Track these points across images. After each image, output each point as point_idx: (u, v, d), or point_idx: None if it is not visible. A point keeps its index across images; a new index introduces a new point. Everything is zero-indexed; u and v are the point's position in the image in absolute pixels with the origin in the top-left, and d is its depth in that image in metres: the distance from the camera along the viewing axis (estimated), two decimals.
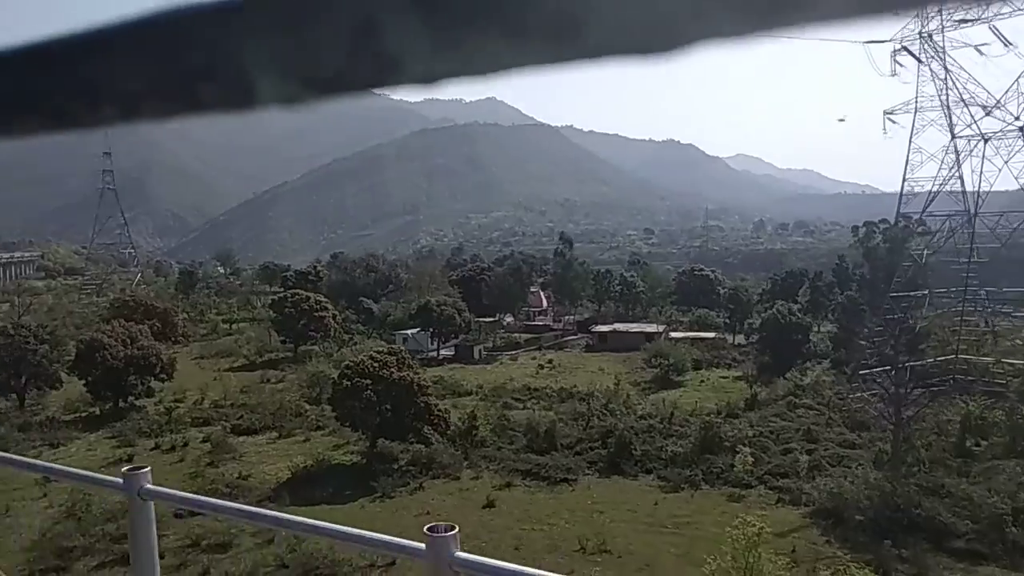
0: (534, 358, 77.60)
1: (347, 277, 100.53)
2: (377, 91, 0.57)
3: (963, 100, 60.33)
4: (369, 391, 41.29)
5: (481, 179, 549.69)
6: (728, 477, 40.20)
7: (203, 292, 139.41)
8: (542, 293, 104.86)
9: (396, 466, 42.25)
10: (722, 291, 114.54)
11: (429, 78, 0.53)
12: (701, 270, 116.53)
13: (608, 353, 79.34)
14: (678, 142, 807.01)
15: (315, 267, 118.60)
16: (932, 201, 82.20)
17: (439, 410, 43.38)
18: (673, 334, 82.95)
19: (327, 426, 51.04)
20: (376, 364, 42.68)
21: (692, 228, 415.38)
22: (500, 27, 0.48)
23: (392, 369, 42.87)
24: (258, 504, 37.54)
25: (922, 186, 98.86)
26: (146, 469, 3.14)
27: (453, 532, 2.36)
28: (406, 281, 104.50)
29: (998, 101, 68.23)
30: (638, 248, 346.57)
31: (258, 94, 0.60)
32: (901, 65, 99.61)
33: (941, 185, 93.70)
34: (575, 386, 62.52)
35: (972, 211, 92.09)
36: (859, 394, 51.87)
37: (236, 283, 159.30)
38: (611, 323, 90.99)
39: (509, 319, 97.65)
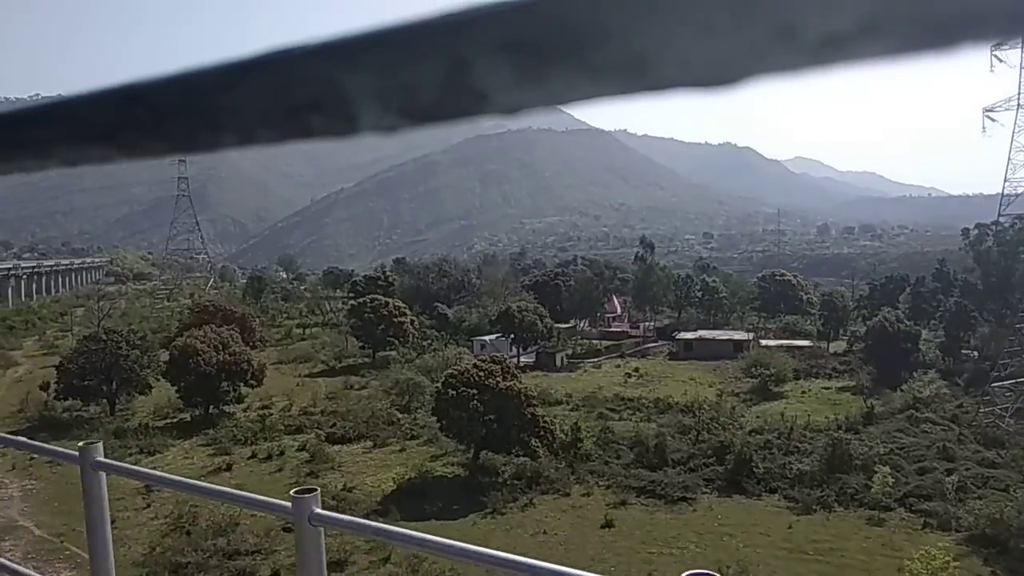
0: (618, 366, 75.02)
1: (419, 282, 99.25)
2: (467, 121, 0.63)
3: None
4: (476, 401, 39.38)
5: (535, 184, 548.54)
6: (863, 498, 37.20)
7: (271, 297, 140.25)
8: (616, 299, 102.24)
9: (501, 480, 40.33)
10: (805, 296, 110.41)
11: (513, 109, 0.59)
12: (783, 275, 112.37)
13: (695, 361, 76.35)
14: (735, 145, 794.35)
15: (384, 272, 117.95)
16: None
17: (545, 422, 41.22)
18: (764, 342, 79.54)
19: (421, 435, 49.52)
20: (482, 373, 40.77)
21: (752, 232, 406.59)
22: (577, 64, 0.53)
23: (497, 378, 40.93)
24: (366, 518, 35.89)
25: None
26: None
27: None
28: (478, 286, 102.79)
29: None
30: (697, 253, 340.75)
31: (361, 123, 0.66)
32: (1000, 60, 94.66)
33: None
34: (670, 396, 59.89)
35: None
36: (990, 408, 48.11)
37: (302, 288, 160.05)
38: (694, 330, 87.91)
39: (583, 325, 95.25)
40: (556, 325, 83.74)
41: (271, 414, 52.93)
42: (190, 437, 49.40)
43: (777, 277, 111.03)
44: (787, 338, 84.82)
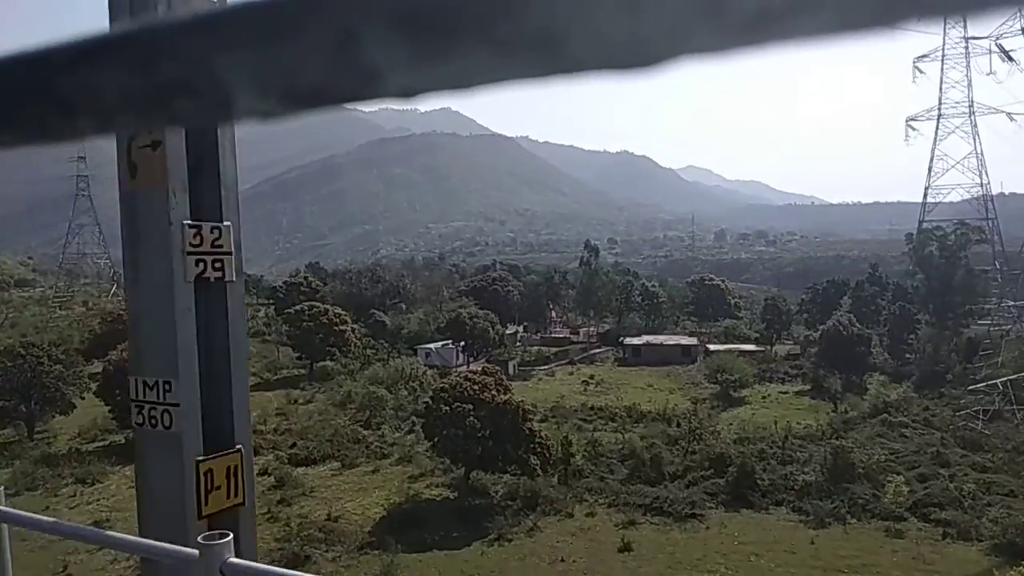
0: (571, 373, 73.12)
1: (352, 288, 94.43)
2: (356, 105, 0.58)
3: None
4: (472, 417, 36.30)
5: (440, 189, 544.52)
6: (874, 509, 36.29)
7: None
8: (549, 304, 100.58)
9: (496, 502, 37.44)
10: (733, 300, 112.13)
11: (410, 92, 0.53)
12: (712, 279, 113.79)
13: (644, 367, 75.33)
14: (632, 153, 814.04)
15: (306, 278, 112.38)
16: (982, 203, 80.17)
17: (541, 438, 38.54)
18: (712, 346, 79.34)
19: (392, 453, 45.97)
20: (476, 387, 37.72)
21: (654, 239, 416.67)
22: (481, 41, 0.45)
23: (492, 391, 37.98)
24: (360, 552, 32.39)
25: (945, 194, 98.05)
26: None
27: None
28: (413, 291, 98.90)
29: None
30: (602, 258, 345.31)
31: (235, 108, 0.58)
32: (921, 72, 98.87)
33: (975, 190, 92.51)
34: (638, 404, 58.36)
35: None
36: (963, 411, 48.69)
37: None
38: (635, 335, 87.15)
39: (521, 331, 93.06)
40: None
41: None
42: (130, 463, 43.90)
43: (707, 282, 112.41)
44: (726, 342, 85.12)
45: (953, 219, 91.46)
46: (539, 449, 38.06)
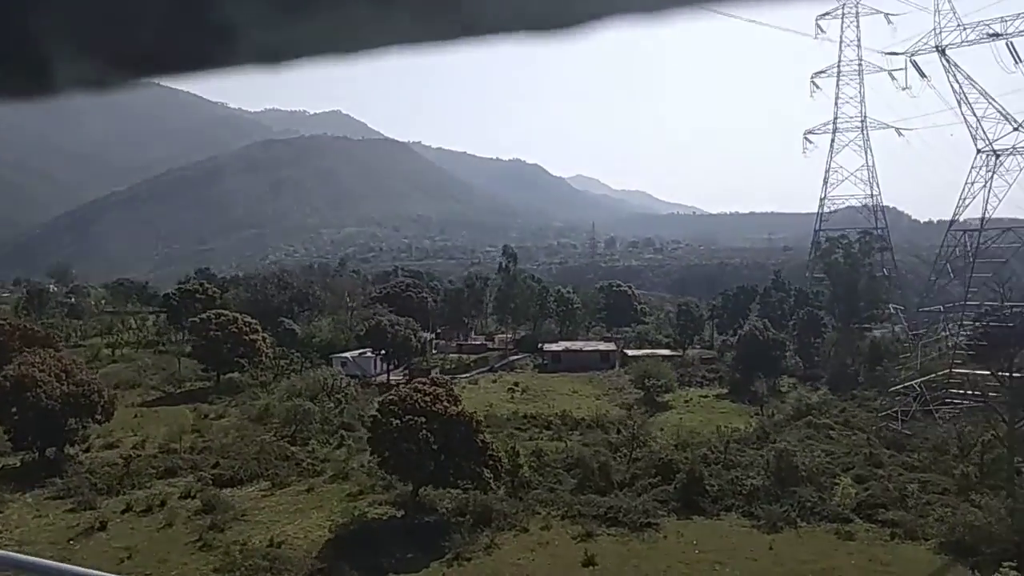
0: (494, 381, 71.98)
1: (257, 295, 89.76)
2: (209, 71, 0.47)
3: (976, 115, 61.54)
4: (425, 431, 34.52)
5: (331, 193, 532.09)
6: (822, 511, 36.89)
7: (57, 314, 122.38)
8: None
9: (448, 518, 35.80)
10: (638, 306, 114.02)
11: (272, 55, 0.43)
12: (619, 286, 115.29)
13: (565, 373, 75.03)
14: (524, 162, 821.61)
15: (202, 284, 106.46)
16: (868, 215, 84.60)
17: (493, 450, 37.18)
18: (630, 352, 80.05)
19: (325, 470, 43.45)
20: (427, 398, 35.94)
21: (548, 245, 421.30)
22: None
23: (444, 403, 36.31)
24: None
25: (839, 203, 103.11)
26: None
27: None
28: (323, 299, 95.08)
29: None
30: (499, 264, 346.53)
31: (56, 76, 0.47)
32: (818, 87, 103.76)
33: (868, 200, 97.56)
34: (567, 410, 57.89)
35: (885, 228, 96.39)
36: (885, 412, 50.64)
37: (91, 303, 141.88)
38: (552, 341, 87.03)
39: (433, 338, 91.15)
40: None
41: (139, 455, 43.90)
42: (30, 488, 39.51)
43: (614, 288, 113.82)
44: (640, 347, 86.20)
45: (845, 228, 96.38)
46: (491, 462, 36.66)
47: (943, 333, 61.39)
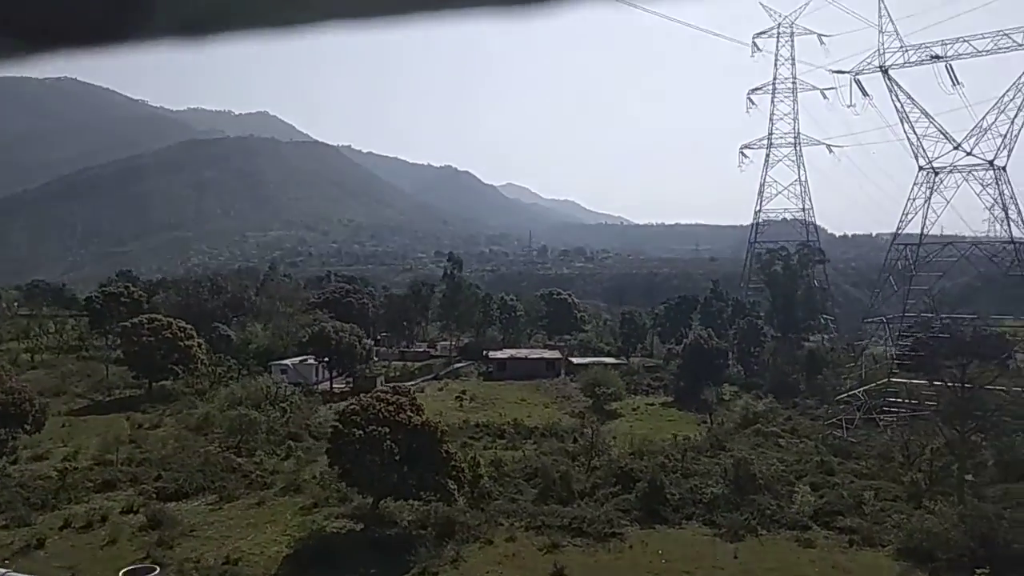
0: (440, 389, 70.94)
1: (189, 299, 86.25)
2: (125, 44, 0.38)
3: (916, 134, 63.67)
4: (390, 442, 33.45)
5: (257, 196, 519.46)
6: (780, 519, 37.30)
7: None
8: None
9: (409, 531, 34.79)
10: (578, 314, 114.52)
11: (195, 26, 0.38)
12: (560, 294, 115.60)
13: (511, 381, 74.60)
14: (455, 168, 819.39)
15: (126, 287, 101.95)
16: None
17: (456, 460, 36.33)
18: (575, 360, 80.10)
19: (274, 483, 41.77)
20: (391, 408, 34.85)
21: (480, 253, 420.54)
22: None
23: (408, 412, 35.28)
24: None
25: (773, 215, 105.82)
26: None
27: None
28: (258, 304, 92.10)
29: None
30: (431, 271, 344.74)
31: None
32: (754, 104, 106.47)
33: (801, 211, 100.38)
34: (519, 419, 57.38)
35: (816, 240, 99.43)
36: (831, 419, 51.80)
37: (2, 305, 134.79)
38: (496, 348, 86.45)
39: (373, 345, 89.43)
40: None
41: (73, 467, 41.25)
42: None
43: (554, 296, 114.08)
44: (584, 355, 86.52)
45: (779, 240, 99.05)
46: (454, 472, 35.81)
47: (881, 345, 63.47)
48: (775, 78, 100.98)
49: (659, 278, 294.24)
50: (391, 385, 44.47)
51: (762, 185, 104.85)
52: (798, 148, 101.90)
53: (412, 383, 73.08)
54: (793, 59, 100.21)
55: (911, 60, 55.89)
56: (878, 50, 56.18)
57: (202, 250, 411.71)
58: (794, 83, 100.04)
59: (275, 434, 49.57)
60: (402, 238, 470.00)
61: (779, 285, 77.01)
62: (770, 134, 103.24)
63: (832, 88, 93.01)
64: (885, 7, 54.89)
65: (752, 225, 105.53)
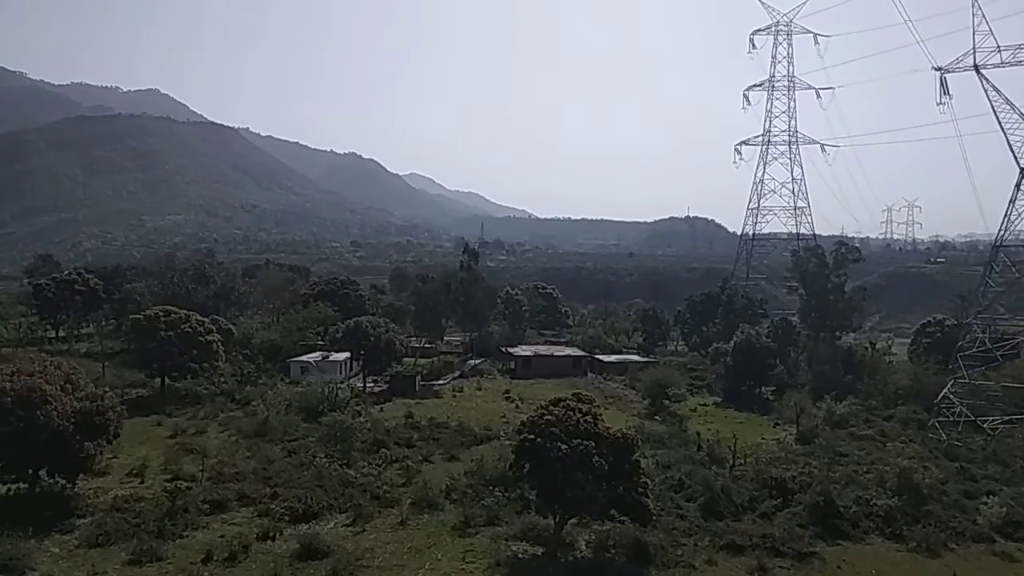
0: (479, 388, 66.54)
1: (177, 289, 77.70)
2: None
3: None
4: (597, 456, 29.60)
5: (152, 177, 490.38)
6: (962, 531, 35.64)
7: None
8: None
9: (600, 555, 31.01)
10: (563, 309, 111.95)
11: None
12: (545, 288, 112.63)
13: (541, 380, 70.93)
14: (360, 156, 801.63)
15: (80, 274, 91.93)
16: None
17: (642, 470, 32.75)
18: (602, 357, 77.24)
19: (400, 499, 36.75)
20: (588, 417, 31.00)
21: (394, 243, 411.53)
22: None
23: (603, 423, 31.48)
24: None
25: (766, 217, 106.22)
26: None
27: None
28: (248, 295, 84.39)
29: None
30: (348, 261, 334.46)
31: None
32: (750, 102, 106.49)
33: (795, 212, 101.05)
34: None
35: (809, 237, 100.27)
36: (939, 419, 51.07)
37: None
38: (513, 345, 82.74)
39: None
40: None
41: (185, 487, 34.87)
42: (44, 532, 30.05)
43: (540, 291, 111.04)
44: (601, 352, 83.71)
45: (772, 235, 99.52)
46: (642, 488, 32.18)
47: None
48: (772, 76, 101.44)
49: (584, 272, 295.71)
50: (577, 392, 39.80)
51: (759, 182, 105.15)
52: (795, 145, 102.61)
53: (441, 381, 68.50)
54: (790, 57, 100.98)
55: (1007, 60, 56.02)
56: (973, 49, 56.05)
57: (94, 234, 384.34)
58: (791, 81, 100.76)
59: (363, 441, 44.30)
60: (310, 226, 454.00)
61: (814, 283, 76.69)
62: (767, 131, 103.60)
63: (829, 88, 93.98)
64: (979, 6, 54.80)
65: (749, 221, 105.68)
